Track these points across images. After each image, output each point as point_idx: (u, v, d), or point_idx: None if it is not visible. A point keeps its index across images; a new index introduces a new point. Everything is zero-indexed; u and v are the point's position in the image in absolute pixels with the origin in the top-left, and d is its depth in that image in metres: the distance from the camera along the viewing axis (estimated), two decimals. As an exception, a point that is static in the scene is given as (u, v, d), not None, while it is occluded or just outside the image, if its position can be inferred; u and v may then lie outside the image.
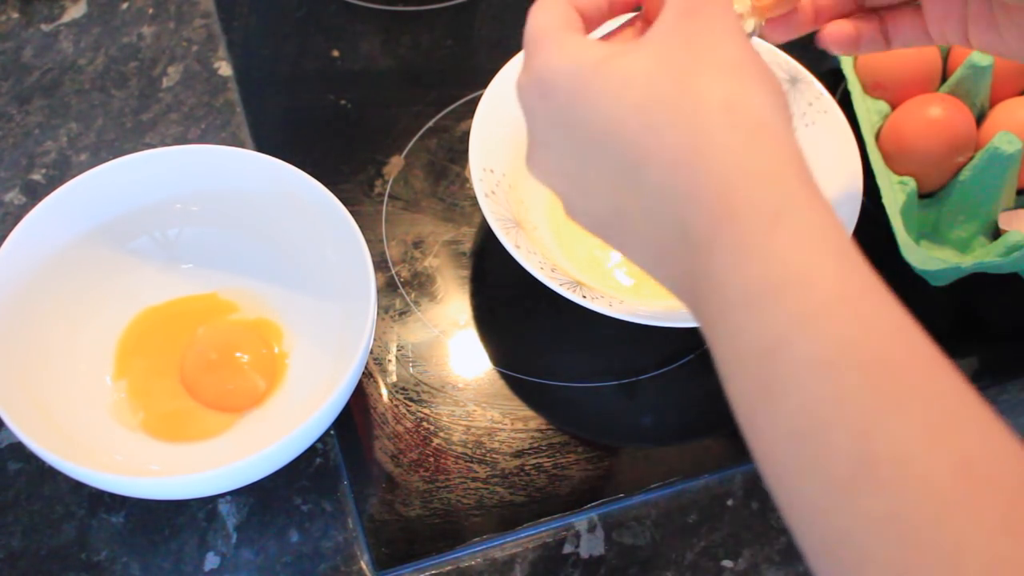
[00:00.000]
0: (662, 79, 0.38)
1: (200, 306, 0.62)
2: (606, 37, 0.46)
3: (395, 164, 0.70)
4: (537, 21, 0.42)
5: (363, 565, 0.56)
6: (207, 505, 0.58)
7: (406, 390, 0.61)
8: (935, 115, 0.65)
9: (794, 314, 0.34)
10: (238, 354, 0.60)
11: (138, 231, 0.62)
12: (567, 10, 0.43)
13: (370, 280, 0.56)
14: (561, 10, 0.43)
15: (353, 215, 0.57)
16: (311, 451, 0.59)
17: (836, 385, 0.33)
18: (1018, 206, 0.67)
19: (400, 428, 0.60)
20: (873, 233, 0.64)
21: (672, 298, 0.63)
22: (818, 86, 0.66)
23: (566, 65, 0.40)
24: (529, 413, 0.61)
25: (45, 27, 0.76)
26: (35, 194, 0.67)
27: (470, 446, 0.60)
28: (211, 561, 0.56)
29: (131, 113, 0.72)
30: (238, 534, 0.57)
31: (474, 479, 0.59)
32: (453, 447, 0.60)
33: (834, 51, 0.52)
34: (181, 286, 0.62)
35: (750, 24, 0.46)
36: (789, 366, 0.34)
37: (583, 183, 0.41)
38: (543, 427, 0.61)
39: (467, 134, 0.63)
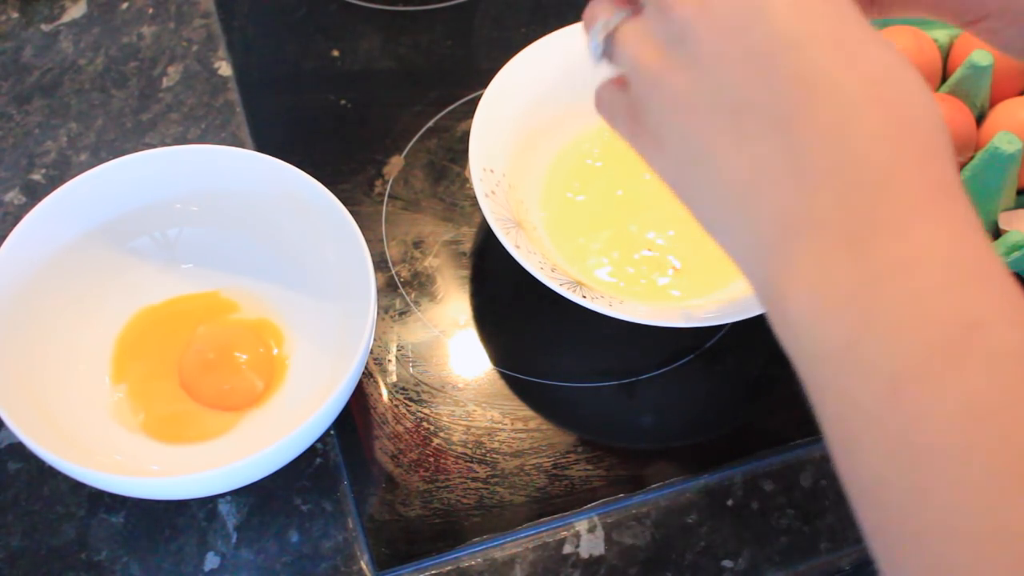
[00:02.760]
0: (852, 18, 0.36)
1: (200, 305, 0.62)
2: None
3: (395, 164, 0.70)
4: None
5: (363, 565, 0.56)
6: (207, 505, 0.58)
7: (406, 390, 0.61)
8: (935, 115, 0.64)
9: (997, 304, 0.33)
10: (236, 354, 0.60)
11: (138, 231, 0.62)
12: None
13: (370, 280, 0.56)
14: None
15: (353, 215, 0.57)
16: (311, 451, 0.59)
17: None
18: (1018, 206, 0.67)
19: (400, 428, 0.60)
20: (873, 233, 0.64)
21: (672, 298, 0.63)
22: (818, 86, 0.66)
23: None
24: (529, 413, 0.61)
25: (45, 27, 0.76)
26: (35, 194, 0.67)
27: (470, 446, 0.60)
28: (211, 561, 0.56)
29: (131, 113, 0.72)
30: (238, 534, 0.57)
31: (474, 479, 0.59)
32: (453, 447, 0.60)
33: None
34: (181, 286, 0.62)
35: None
36: (986, 346, 0.32)
37: (749, 52, 0.37)
38: (543, 427, 0.61)
39: (467, 134, 0.63)
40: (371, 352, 0.62)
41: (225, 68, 0.74)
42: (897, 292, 0.33)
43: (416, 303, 0.65)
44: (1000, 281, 0.34)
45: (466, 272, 0.66)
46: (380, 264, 0.66)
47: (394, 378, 0.62)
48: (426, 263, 0.66)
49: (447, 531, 0.57)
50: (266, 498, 0.58)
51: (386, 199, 0.69)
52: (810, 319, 0.35)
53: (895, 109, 0.35)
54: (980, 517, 0.31)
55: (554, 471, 0.59)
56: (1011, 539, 0.31)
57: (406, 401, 0.61)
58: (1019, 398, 0.31)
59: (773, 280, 0.36)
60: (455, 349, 0.63)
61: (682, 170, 0.39)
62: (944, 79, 0.69)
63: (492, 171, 0.63)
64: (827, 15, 0.36)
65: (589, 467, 0.59)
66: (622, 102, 0.43)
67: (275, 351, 0.61)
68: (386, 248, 0.67)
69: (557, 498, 0.58)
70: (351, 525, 0.57)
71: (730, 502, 0.59)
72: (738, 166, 0.37)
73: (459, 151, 0.71)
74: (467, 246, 0.67)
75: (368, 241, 0.57)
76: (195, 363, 0.60)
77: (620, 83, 0.43)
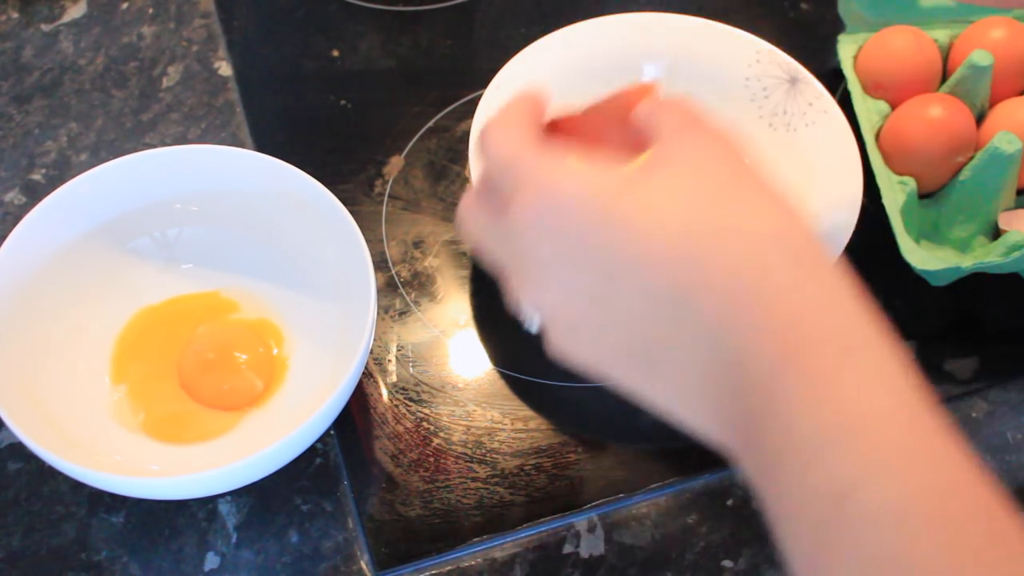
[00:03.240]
0: (702, 207, 0.36)
1: (200, 305, 0.62)
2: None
3: (395, 164, 0.70)
4: (512, 143, 0.40)
5: (363, 565, 0.56)
6: (207, 505, 0.58)
7: (406, 390, 0.61)
8: (935, 115, 0.65)
9: (866, 460, 0.32)
10: (236, 354, 0.60)
11: (138, 231, 0.62)
12: (535, 127, 0.41)
13: (370, 280, 0.56)
14: (532, 129, 0.41)
15: (353, 215, 0.58)
16: (311, 451, 0.59)
17: (909, 537, 0.31)
18: (1018, 206, 0.67)
19: (400, 428, 0.60)
20: (873, 233, 0.64)
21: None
22: (818, 86, 0.66)
23: (582, 190, 0.37)
24: (529, 413, 0.61)
25: (45, 27, 0.76)
26: (35, 194, 0.67)
27: (470, 446, 0.60)
28: (211, 561, 0.56)
29: (131, 113, 0.72)
30: (238, 534, 0.57)
31: (474, 479, 0.59)
32: (453, 447, 0.60)
33: None
34: (181, 286, 0.62)
35: None
36: (860, 514, 0.32)
37: (603, 314, 0.38)
38: (543, 427, 0.61)
39: (467, 134, 0.63)
40: (371, 352, 0.62)
41: (225, 68, 0.74)
42: (780, 481, 0.34)
43: (416, 303, 0.65)
44: (872, 427, 0.33)
45: (466, 272, 0.66)
46: (380, 264, 0.66)
47: (394, 378, 0.62)
48: (426, 263, 0.66)
49: (447, 531, 0.57)
50: (266, 498, 0.58)
51: (386, 199, 0.69)
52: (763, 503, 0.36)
53: (715, 284, 0.35)
54: None
55: (554, 471, 0.59)
56: None
57: (406, 401, 0.61)
58: (898, 567, 0.31)
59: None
60: (455, 349, 0.63)
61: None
62: (944, 79, 0.69)
63: (492, 171, 0.62)
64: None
65: (589, 467, 0.59)
66: None
67: (275, 351, 0.61)
68: (386, 248, 0.67)
69: (557, 498, 0.58)
70: (351, 525, 0.57)
71: (730, 502, 0.59)
72: (654, 399, 0.39)
73: (459, 151, 0.71)
74: (467, 246, 0.67)
75: (368, 241, 0.57)
76: (195, 363, 0.60)
77: None
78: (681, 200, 0.36)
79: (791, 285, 0.35)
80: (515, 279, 0.41)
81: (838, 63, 0.71)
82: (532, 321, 0.43)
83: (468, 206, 0.43)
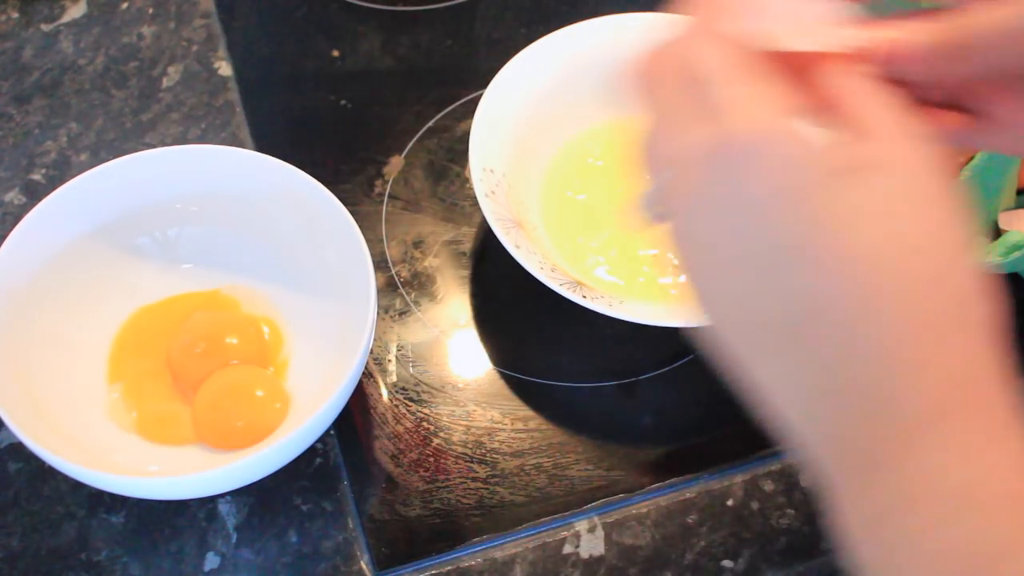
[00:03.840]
0: (905, 236, 0.33)
1: (200, 303, 0.62)
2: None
3: (395, 164, 0.70)
4: (728, 55, 0.35)
5: (363, 565, 0.56)
6: (207, 505, 0.58)
7: (406, 390, 0.61)
8: (935, 115, 0.64)
9: (1018, 530, 0.31)
10: (228, 340, 0.59)
11: (138, 231, 0.62)
12: (745, 48, 0.36)
13: (370, 280, 0.56)
14: (743, 50, 0.35)
15: (353, 215, 0.57)
16: (311, 451, 0.59)
17: None
18: (1018, 206, 0.67)
19: (400, 428, 0.60)
20: (873, 233, 0.64)
21: (672, 297, 0.63)
22: (818, 86, 0.66)
23: (794, 157, 0.33)
24: (529, 413, 0.61)
25: (45, 27, 0.76)
26: (35, 194, 0.67)
27: (470, 446, 0.60)
28: (211, 561, 0.56)
29: (131, 113, 0.72)
30: (238, 534, 0.57)
31: (474, 479, 0.59)
32: (453, 447, 0.60)
33: None
34: (181, 286, 0.62)
35: None
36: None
37: (756, 281, 0.35)
38: (543, 427, 0.61)
39: (467, 134, 0.63)
40: (371, 352, 0.62)
41: (225, 68, 0.74)
42: (906, 528, 0.32)
43: (416, 303, 0.65)
44: None
45: (466, 272, 0.66)
46: (380, 264, 0.66)
47: (394, 378, 0.62)
48: (426, 263, 0.66)
49: (447, 531, 0.57)
50: (266, 498, 0.58)
51: (386, 199, 0.69)
52: (842, 542, 0.34)
53: (885, 312, 0.33)
54: None
55: (554, 471, 0.59)
56: None
57: (406, 401, 0.61)
58: None
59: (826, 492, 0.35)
60: (455, 349, 0.63)
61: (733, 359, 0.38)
62: (944, 79, 0.69)
63: (492, 171, 0.63)
64: (826, 210, 0.33)
65: (589, 467, 0.59)
66: None
67: (266, 330, 0.61)
68: (386, 248, 0.67)
69: (557, 498, 0.58)
70: (351, 525, 0.57)
71: (730, 502, 0.59)
72: (762, 381, 0.36)
73: (459, 151, 0.71)
74: (467, 246, 0.67)
75: (368, 241, 0.57)
76: (205, 398, 0.58)
77: None
78: (887, 221, 0.33)
79: (969, 341, 0.33)
80: (675, 198, 0.36)
81: (838, 63, 0.71)
82: (649, 208, 0.39)
83: (655, 62, 0.38)
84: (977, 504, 0.31)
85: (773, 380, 0.36)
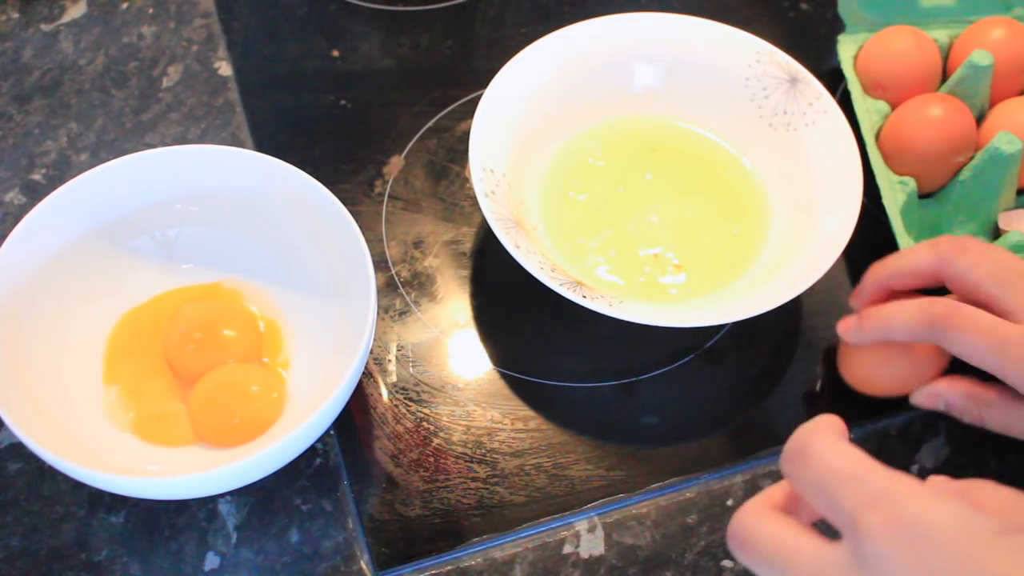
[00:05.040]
0: None
1: (196, 296, 0.62)
2: None
3: (395, 164, 0.70)
4: (851, 454, 0.39)
5: (363, 565, 0.56)
6: (207, 505, 0.58)
7: (406, 390, 0.62)
8: (935, 115, 0.65)
9: None
10: (226, 332, 0.60)
11: (138, 231, 0.62)
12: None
13: (370, 280, 0.56)
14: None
15: (353, 215, 0.57)
16: (311, 451, 0.59)
17: None
18: (1018, 206, 0.67)
19: (400, 428, 0.60)
20: (873, 233, 0.64)
21: (671, 297, 0.63)
22: (818, 86, 0.66)
23: (951, 525, 0.35)
24: (529, 413, 0.61)
25: (45, 27, 0.76)
26: (35, 194, 0.67)
27: (470, 446, 0.60)
28: (211, 561, 0.56)
29: (131, 113, 0.72)
30: (238, 534, 0.57)
31: (474, 479, 0.59)
32: (453, 447, 0.60)
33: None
34: (181, 286, 0.62)
35: None
36: None
37: None
38: (543, 427, 0.61)
39: (467, 134, 0.63)
40: (371, 352, 0.62)
41: (225, 68, 0.74)
42: None
43: (416, 303, 0.65)
44: None
45: (466, 272, 0.66)
46: (380, 264, 0.66)
47: (394, 378, 0.62)
48: (426, 263, 0.66)
49: (447, 531, 0.57)
50: (266, 498, 0.58)
51: (386, 199, 0.69)
52: None
53: None
54: None
55: (554, 471, 0.59)
56: None
57: (406, 401, 0.61)
58: None
59: None
60: (455, 349, 0.63)
61: None
62: (944, 79, 0.69)
63: (492, 171, 0.63)
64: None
65: (589, 467, 0.59)
66: None
67: (261, 324, 0.61)
68: (386, 248, 0.67)
69: (557, 498, 0.58)
70: (351, 525, 0.57)
71: (730, 502, 0.59)
72: None
73: (459, 151, 0.71)
74: (467, 246, 0.67)
75: (368, 241, 0.57)
76: (201, 397, 0.59)
77: None
78: None
79: None
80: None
81: (838, 63, 0.71)
82: None
83: (761, 514, 0.40)
84: None
85: None
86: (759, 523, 0.40)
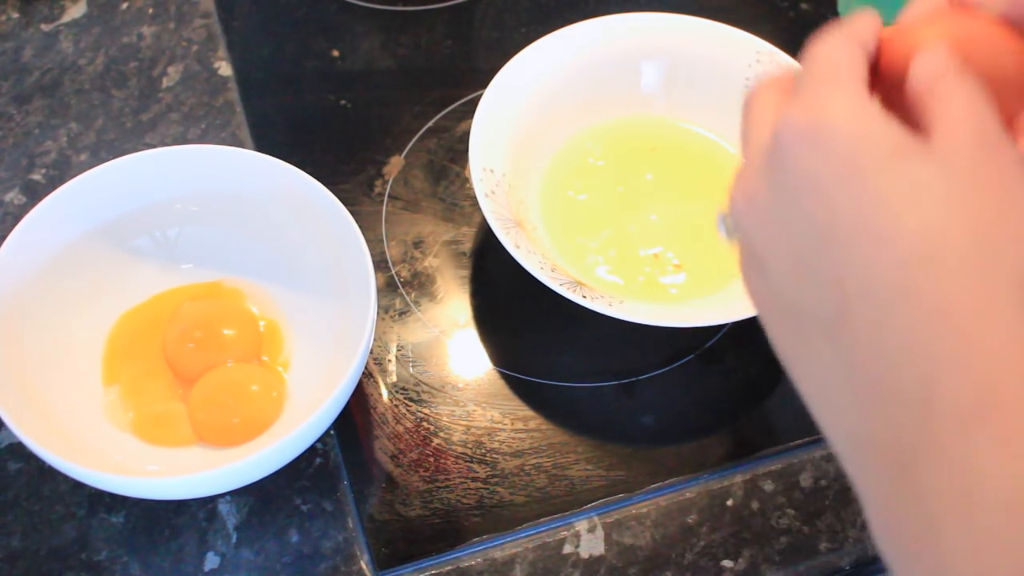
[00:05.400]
0: (957, 221, 0.31)
1: (195, 295, 0.62)
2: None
3: (395, 164, 0.70)
4: (836, 54, 0.35)
5: (363, 565, 0.56)
6: (207, 505, 0.58)
7: (406, 390, 0.61)
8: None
9: None
10: (225, 331, 0.60)
11: (138, 231, 0.62)
12: (862, 59, 0.36)
13: (370, 280, 0.56)
14: (860, 58, 0.35)
15: (353, 215, 0.57)
16: (311, 451, 0.59)
17: None
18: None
19: (400, 428, 0.60)
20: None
21: (671, 297, 0.63)
22: (818, 86, 0.66)
23: (854, 132, 0.33)
24: (529, 413, 0.61)
25: (45, 27, 0.76)
26: (35, 194, 0.67)
27: (470, 446, 0.60)
28: (211, 561, 0.56)
29: (131, 113, 0.72)
30: (238, 534, 0.57)
31: (474, 479, 0.59)
32: (453, 447, 0.60)
33: None
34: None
35: None
36: None
37: (796, 261, 0.34)
38: (543, 427, 0.61)
39: (467, 134, 0.63)
40: (371, 352, 0.62)
41: (225, 68, 0.74)
42: (956, 540, 0.30)
43: (416, 303, 0.65)
44: None
45: (466, 272, 0.66)
46: (380, 264, 0.66)
47: (394, 378, 0.62)
48: (426, 263, 0.66)
49: (447, 531, 0.57)
50: (266, 498, 0.58)
51: (386, 199, 0.69)
52: (888, 562, 0.32)
53: (925, 296, 0.31)
54: None
55: (554, 471, 0.59)
56: None
57: (406, 401, 0.61)
58: None
59: (863, 503, 0.34)
60: (455, 349, 0.63)
61: (783, 355, 0.37)
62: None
63: (492, 171, 0.63)
64: (867, 197, 0.32)
65: (589, 467, 0.59)
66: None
67: (262, 324, 0.61)
68: (386, 248, 0.67)
69: (557, 498, 0.58)
70: (351, 525, 0.57)
71: (730, 502, 0.59)
72: (806, 376, 0.35)
73: (459, 151, 0.71)
74: (467, 246, 0.67)
75: (368, 241, 0.57)
76: (200, 396, 0.59)
77: None
78: (939, 203, 0.32)
79: (1011, 342, 0.31)
80: (744, 167, 0.37)
81: (838, 63, 0.71)
82: (725, 228, 0.40)
83: (768, 87, 0.38)
84: None
85: (817, 374, 0.35)
86: (761, 94, 0.38)
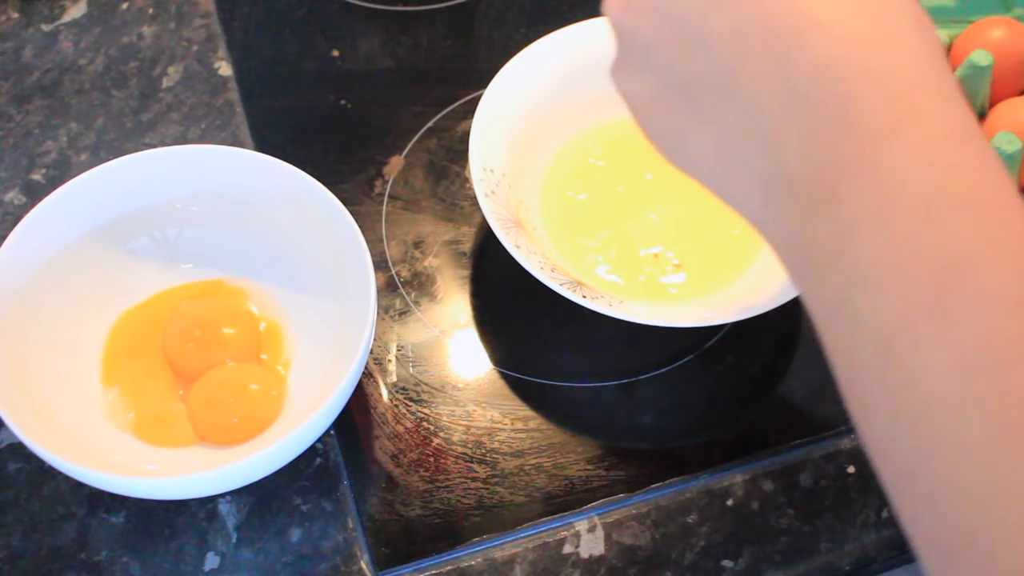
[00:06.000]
0: None
1: (196, 294, 0.62)
2: None
3: (395, 164, 0.70)
4: None
5: (363, 565, 0.56)
6: (207, 505, 0.58)
7: (406, 390, 0.61)
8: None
9: (984, 235, 0.30)
10: (225, 330, 0.60)
11: (138, 231, 0.62)
12: None
13: (370, 280, 0.56)
14: None
15: (353, 215, 0.57)
16: (311, 451, 0.59)
17: (1021, 321, 0.30)
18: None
19: (400, 428, 0.60)
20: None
21: (671, 297, 0.63)
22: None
23: None
24: (529, 413, 0.61)
25: (45, 27, 0.76)
26: (35, 194, 0.67)
27: (470, 446, 0.60)
28: (211, 561, 0.56)
29: (131, 113, 0.72)
30: (238, 534, 0.57)
31: (474, 479, 0.59)
32: (453, 447, 0.60)
33: None
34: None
35: None
36: (974, 290, 0.30)
37: (680, 27, 0.36)
38: (543, 427, 0.61)
39: (467, 134, 0.63)
40: (371, 352, 0.62)
41: (225, 68, 0.74)
42: (874, 239, 0.31)
43: (416, 303, 0.65)
44: (992, 204, 0.31)
45: (466, 272, 0.66)
46: (380, 264, 0.66)
47: (394, 378, 0.62)
48: (426, 263, 0.66)
49: (447, 531, 0.57)
50: (266, 498, 0.58)
51: (386, 199, 0.69)
52: (807, 281, 0.34)
53: (832, 25, 0.33)
54: (984, 476, 0.30)
55: (554, 471, 0.59)
56: (1016, 498, 0.29)
57: (406, 401, 0.61)
58: (1010, 347, 0.30)
59: (772, 247, 0.36)
60: (455, 349, 0.63)
61: (670, 154, 0.39)
62: (944, 79, 0.69)
63: (492, 171, 0.63)
64: None
65: (589, 467, 0.59)
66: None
67: (262, 325, 0.61)
68: (386, 248, 0.67)
69: (557, 498, 0.58)
70: (351, 525, 0.57)
71: (730, 502, 0.59)
72: (703, 141, 0.37)
73: (459, 151, 0.71)
74: (467, 246, 0.67)
75: (368, 241, 0.57)
76: (200, 396, 0.59)
77: None
78: None
79: (917, 54, 0.33)
80: None
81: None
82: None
83: None
84: (941, 211, 0.31)
85: (717, 136, 0.36)
86: None
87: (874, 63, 0.32)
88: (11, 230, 0.57)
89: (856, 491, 0.59)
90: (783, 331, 0.65)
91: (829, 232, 0.32)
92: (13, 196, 0.68)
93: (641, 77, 0.38)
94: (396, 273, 0.66)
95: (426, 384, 0.62)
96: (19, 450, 0.58)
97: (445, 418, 0.61)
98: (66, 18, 0.76)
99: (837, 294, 0.33)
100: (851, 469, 0.60)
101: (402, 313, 0.64)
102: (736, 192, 0.37)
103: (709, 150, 0.37)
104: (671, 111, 0.37)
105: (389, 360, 0.63)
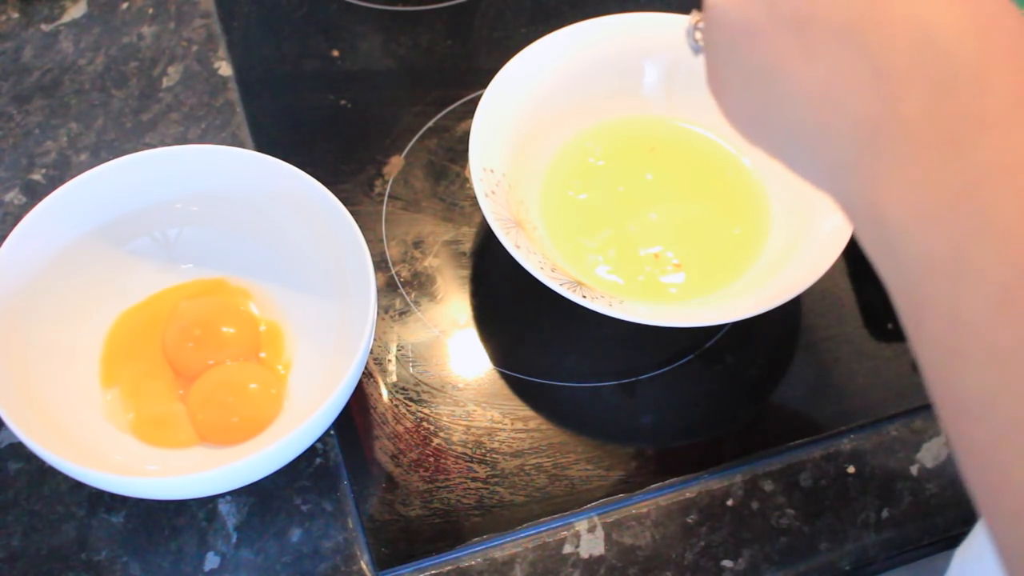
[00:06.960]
0: None
1: (193, 293, 0.62)
2: None
3: (395, 164, 0.70)
4: None
5: (363, 565, 0.56)
6: (207, 505, 0.58)
7: (406, 390, 0.62)
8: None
9: None
10: (224, 329, 0.60)
11: (138, 231, 0.62)
12: None
13: (370, 280, 0.56)
14: None
15: (353, 215, 0.58)
16: (311, 451, 0.59)
17: None
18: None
19: (400, 428, 0.60)
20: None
21: (671, 297, 0.63)
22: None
23: None
24: (529, 413, 0.61)
25: (45, 27, 0.76)
26: (35, 194, 0.67)
27: (470, 446, 0.60)
28: (211, 561, 0.56)
29: (131, 113, 0.72)
30: (238, 534, 0.57)
31: (474, 479, 0.59)
32: (453, 447, 0.60)
33: None
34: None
35: None
36: None
37: None
38: (543, 427, 0.61)
39: (467, 134, 0.63)
40: (371, 352, 0.62)
41: (225, 68, 0.74)
42: (1004, 195, 0.31)
43: (416, 303, 0.65)
44: None
45: (466, 272, 0.66)
46: (380, 264, 0.66)
47: (394, 378, 0.62)
48: (426, 263, 0.66)
49: (447, 531, 0.57)
50: (266, 498, 0.58)
51: (386, 199, 0.69)
52: (912, 228, 0.34)
53: (972, 3, 0.34)
54: None
55: (554, 471, 0.59)
56: None
57: (406, 401, 0.61)
58: None
59: (865, 192, 0.35)
60: (455, 349, 0.63)
61: (753, 101, 0.40)
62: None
63: (492, 171, 0.63)
64: None
65: (589, 467, 0.59)
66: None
67: (262, 327, 0.61)
68: (386, 248, 0.67)
69: (557, 498, 0.58)
70: (351, 525, 0.57)
71: (730, 502, 0.59)
72: (812, 79, 0.37)
73: (459, 151, 0.71)
74: (467, 246, 0.67)
75: (368, 241, 0.57)
76: (200, 396, 0.59)
77: None
78: None
79: (1002, 9, 0.34)
80: None
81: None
82: (693, 41, 0.45)
83: None
84: None
85: (829, 76, 0.36)
86: None
87: (1013, 39, 0.34)
88: (11, 230, 0.57)
89: (856, 491, 0.59)
90: (783, 331, 0.65)
91: (950, 181, 0.33)
92: (13, 196, 0.68)
93: (753, 5, 0.39)
94: (396, 273, 0.66)
95: (426, 384, 0.62)
96: (19, 450, 0.58)
97: (445, 418, 0.61)
98: (66, 18, 0.76)
99: (951, 244, 0.32)
100: (851, 469, 0.60)
101: (402, 313, 0.64)
102: (824, 136, 0.37)
103: (811, 88, 0.37)
104: (777, 44, 0.38)
105: (389, 360, 0.63)
